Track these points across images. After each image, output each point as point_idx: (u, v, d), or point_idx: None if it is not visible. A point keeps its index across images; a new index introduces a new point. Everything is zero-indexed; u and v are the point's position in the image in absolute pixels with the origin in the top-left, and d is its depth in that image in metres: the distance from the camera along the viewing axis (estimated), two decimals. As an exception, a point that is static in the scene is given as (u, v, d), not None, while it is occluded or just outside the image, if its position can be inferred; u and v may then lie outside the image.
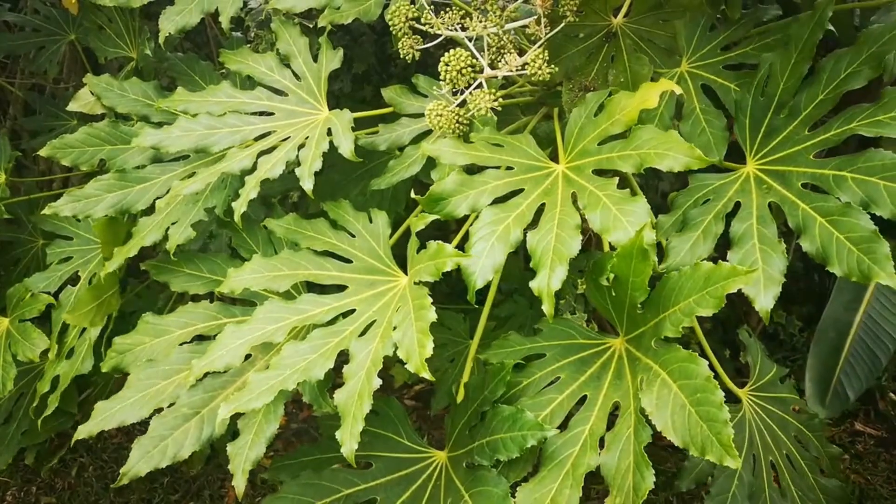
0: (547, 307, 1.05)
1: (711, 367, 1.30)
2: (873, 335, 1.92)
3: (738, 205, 1.17)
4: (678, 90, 1.15)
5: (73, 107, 1.67)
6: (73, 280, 1.62)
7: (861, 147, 1.15)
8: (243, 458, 1.18)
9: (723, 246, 1.17)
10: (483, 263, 1.08)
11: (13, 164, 1.84)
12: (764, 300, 1.08)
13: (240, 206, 1.24)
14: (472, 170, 1.19)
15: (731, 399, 1.50)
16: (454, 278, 1.21)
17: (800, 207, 1.11)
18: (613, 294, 1.12)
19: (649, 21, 1.42)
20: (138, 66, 1.69)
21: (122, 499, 2.17)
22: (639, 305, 1.08)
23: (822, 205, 1.09)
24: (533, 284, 1.06)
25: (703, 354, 1.32)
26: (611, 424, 1.09)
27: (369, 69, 2.02)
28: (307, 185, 1.23)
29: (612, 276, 1.09)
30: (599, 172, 1.15)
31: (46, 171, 2.20)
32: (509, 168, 1.20)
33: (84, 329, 1.49)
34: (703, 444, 0.94)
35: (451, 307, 2.13)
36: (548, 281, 1.05)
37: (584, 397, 1.14)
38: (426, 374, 1.03)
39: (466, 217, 1.17)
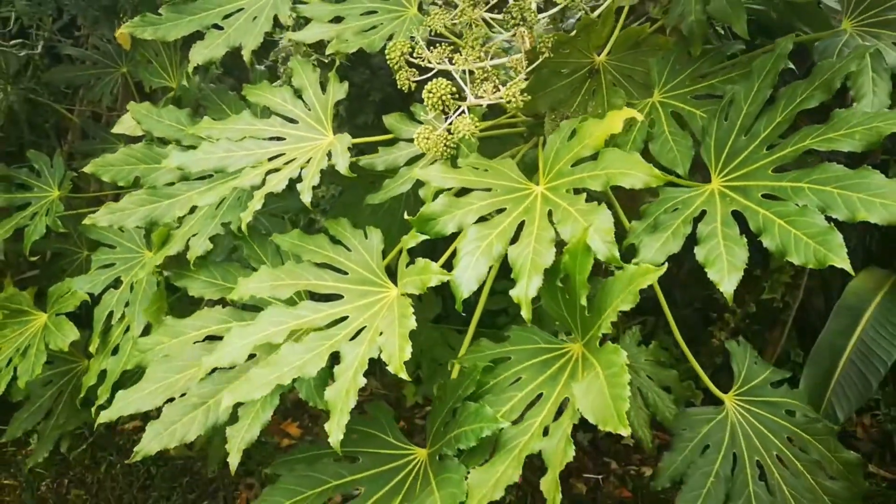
0: (525, 313, 1.18)
1: (693, 370, 1.45)
2: (865, 359, 1.97)
3: (704, 212, 1.30)
4: (640, 117, 1.29)
5: (116, 129, 1.88)
6: (115, 284, 1.79)
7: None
8: (239, 438, 1.32)
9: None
10: (468, 275, 1.22)
11: (70, 183, 2.06)
12: (727, 285, 1.22)
13: (246, 217, 1.41)
14: (459, 192, 1.34)
15: (714, 401, 1.60)
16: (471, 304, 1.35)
17: (760, 213, 1.24)
18: (567, 297, 1.23)
19: (629, 59, 1.57)
20: (177, 96, 1.89)
21: (144, 495, 2.32)
22: (585, 306, 1.19)
23: (780, 209, 1.23)
24: (513, 293, 1.19)
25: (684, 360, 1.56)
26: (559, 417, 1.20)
27: (389, 99, 2.18)
28: (305, 198, 1.40)
29: (563, 275, 1.22)
30: (573, 192, 1.28)
31: (98, 191, 2.42)
32: (493, 190, 1.33)
33: (127, 328, 1.66)
34: (606, 418, 1.06)
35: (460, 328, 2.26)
36: (525, 289, 1.18)
37: (541, 395, 1.26)
38: (404, 375, 1.18)
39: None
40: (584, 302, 1.20)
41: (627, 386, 1.05)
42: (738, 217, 1.27)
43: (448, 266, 1.27)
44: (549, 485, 1.12)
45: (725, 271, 1.21)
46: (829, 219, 1.17)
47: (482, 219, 1.29)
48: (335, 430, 1.18)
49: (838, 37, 1.52)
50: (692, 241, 1.27)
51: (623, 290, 1.15)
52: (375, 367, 2.74)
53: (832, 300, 2.20)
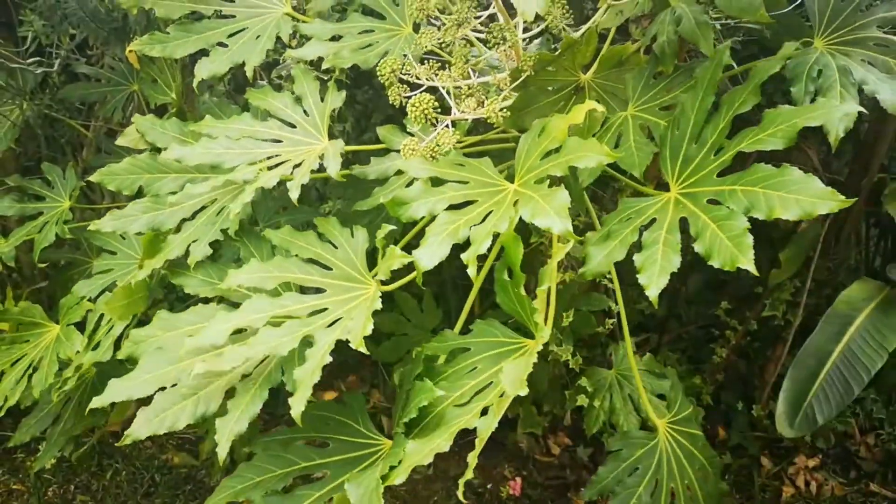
0: (471, 270, 1.23)
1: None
2: (850, 366, 2.00)
3: (653, 220, 1.34)
4: (600, 108, 1.33)
5: (120, 142, 1.96)
6: (111, 288, 1.85)
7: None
8: (228, 430, 1.37)
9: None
10: (431, 252, 1.26)
11: (78, 192, 2.14)
12: (653, 290, 1.24)
13: (235, 208, 1.48)
14: (436, 183, 1.39)
15: (649, 428, 1.65)
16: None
17: (701, 218, 1.27)
18: (515, 290, 1.29)
19: (613, 76, 1.61)
20: (179, 109, 1.96)
21: (148, 501, 2.36)
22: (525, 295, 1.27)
23: (716, 213, 1.25)
24: (463, 256, 1.24)
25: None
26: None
27: (392, 118, 2.24)
28: (293, 194, 1.47)
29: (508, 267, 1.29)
30: (540, 182, 1.32)
31: (110, 202, 2.50)
32: (468, 183, 1.39)
33: (112, 327, 1.72)
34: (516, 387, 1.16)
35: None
36: (474, 251, 1.23)
37: (492, 382, 1.32)
38: (362, 349, 1.24)
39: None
40: (522, 291, 1.26)
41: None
42: (684, 223, 1.31)
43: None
44: (472, 457, 1.17)
45: (655, 276, 1.24)
46: (752, 220, 1.20)
47: (453, 207, 1.34)
48: (297, 404, 1.25)
49: (809, 54, 1.56)
50: (698, 258, 1.28)
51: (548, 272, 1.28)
52: (378, 380, 2.79)
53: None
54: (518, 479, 2.44)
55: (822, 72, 1.51)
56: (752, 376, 2.68)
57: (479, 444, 1.16)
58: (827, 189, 1.17)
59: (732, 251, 1.18)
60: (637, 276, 1.26)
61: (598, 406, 2.04)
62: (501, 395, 1.24)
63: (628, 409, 2.00)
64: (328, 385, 2.52)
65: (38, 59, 2.18)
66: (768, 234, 2.72)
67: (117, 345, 1.66)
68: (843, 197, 1.16)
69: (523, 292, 1.27)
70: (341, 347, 1.32)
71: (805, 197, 1.17)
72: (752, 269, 1.16)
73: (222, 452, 1.35)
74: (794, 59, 1.54)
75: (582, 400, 1.99)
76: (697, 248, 1.24)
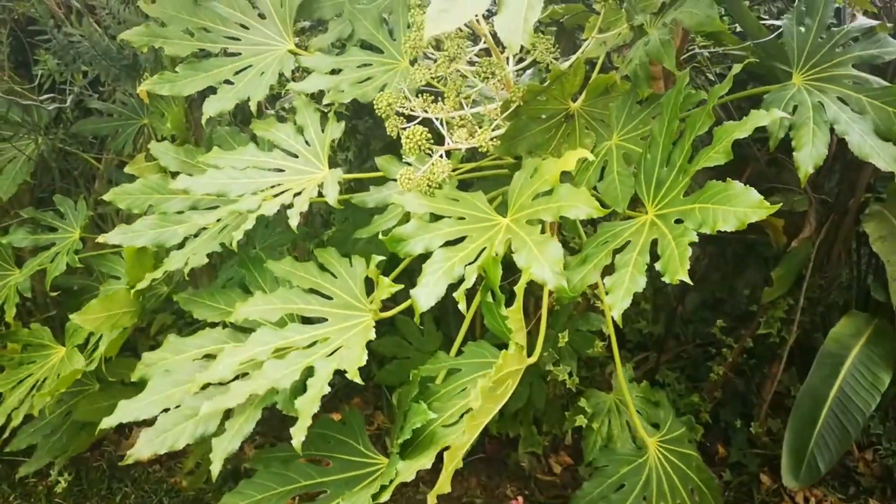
0: (462, 305, 1.30)
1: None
2: (845, 409, 2.03)
3: (628, 242, 1.40)
4: (591, 157, 1.40)
5: (128, 169, 2.05)
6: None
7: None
8: (222, 448, 1.44)
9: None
10: (427, 292, 1.33)
11: (87, 222, 2.22)
12: (616, 310, 1.31)
13: (237, 235, 1.55)
14: (432, 218, 1.46)
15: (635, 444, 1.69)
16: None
17: (667, 237, 1.33)
18: (498, 311, 1.35)
19: (600, 104, 1.68)
20: (185, 141, 2.05)
21: (155, 524, 2.42)
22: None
23: (676, 231, 1.32)
24: (455, 294, 1.31)
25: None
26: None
27: (391, 147, 2.32)
28: (293, 221, 1.54)
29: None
30: (531, 222, 1.40)
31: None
32: (464, 219, 1.46)
33: (98, 339, 1.80)
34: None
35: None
36: (465, 287, 1.30)
37: None
38: (357, 379, 1.30)
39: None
40: (504, 311, 1.32)
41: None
42: (655, 244, 1.37)
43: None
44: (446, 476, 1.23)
45: (620, 298, 1.31)
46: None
47: (448, 243, 1.41)
48: (298, 434, 1.31)
49: (786, 90, 1.64)
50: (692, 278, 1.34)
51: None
52: (382, 402, 2.83)
53: (830, 334, 2.27)
54: (520, 499, 2.48)
55: (798, 108, 1.59)
56: (750, 394, 2.72)
57: (449, 458, 1.23)
58: (758, 198, 1.24)
59: (675, 264, 1.25)
60: (606, 296, 1.32)
61: (597, 430, 2.07)
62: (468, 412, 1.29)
63: (626, 436, 2.03)
64: (332, 408, 2.57)
65: (52, 95, 2.27)
66: (761, 254, 2.78)
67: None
68: (768, 204, 1.23)
69: (505, 312, 1.33)
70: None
71: (741, 208, 1.24)
72: (686, 278, 1.23)
73: (215, 470, 1.42)
74: (772, 95, 1.62)
75: (580, 420, 2.03)
76: (658, 265, 1.30)
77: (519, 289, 1.33)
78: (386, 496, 1.27)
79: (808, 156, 1.52)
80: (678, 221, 1.34)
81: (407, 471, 1.28)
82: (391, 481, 1.29)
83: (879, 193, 2.37)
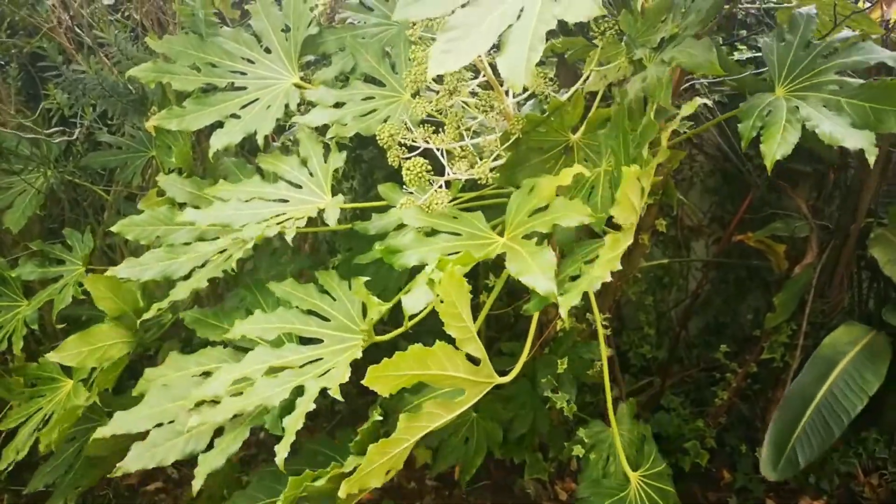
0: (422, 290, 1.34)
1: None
2: (831, 409, 2.05)
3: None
4: (587, 172, 1.43)
5: (141, 205, 2.08)
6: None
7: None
8: (207, 465, 1.46)
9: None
10: (416, 298, 1.36)
11: (91, 254, 2.25)
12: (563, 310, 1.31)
13: (236, 256, 1.59)
14: (430, 234, 1.49)
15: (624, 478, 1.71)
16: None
17: None
18: None
19: (599, 137, 1.70)
20: (191, 173, 2.09)
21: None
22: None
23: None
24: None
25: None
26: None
27: (392, 175, 2.36)
28: (289, 235, 1.59)
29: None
30: (527, 237, 1.43)
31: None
32: (460, 235, 1.49)
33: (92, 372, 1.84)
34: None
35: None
36: (428, 273, 1.32)
37: None
38: (338, 397, 1.33)
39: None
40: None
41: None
42: None
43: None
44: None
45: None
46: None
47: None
48: (283, 451, 1.34)
49: (763, 98, 1.66)
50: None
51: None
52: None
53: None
54: (526, 526, 2.48)
55: (772, 112, 1.61)
56: (755, 418, 2.72)
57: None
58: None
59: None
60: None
61: (594, 461, 2.06)
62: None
63: (622, 471, 2.02)
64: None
65: (61, 129, 2.32)
66: (764, 279, 2.80)
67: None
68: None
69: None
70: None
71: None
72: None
73: (196, 485, 1.44)
74: (748, 102, 1.65)
75: (578, 450, 2.03)
76: None
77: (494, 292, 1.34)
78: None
79: (776, 144, 1.53)
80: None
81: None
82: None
83: (881, 218, 2.39)
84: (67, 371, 2.07)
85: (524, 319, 2.48)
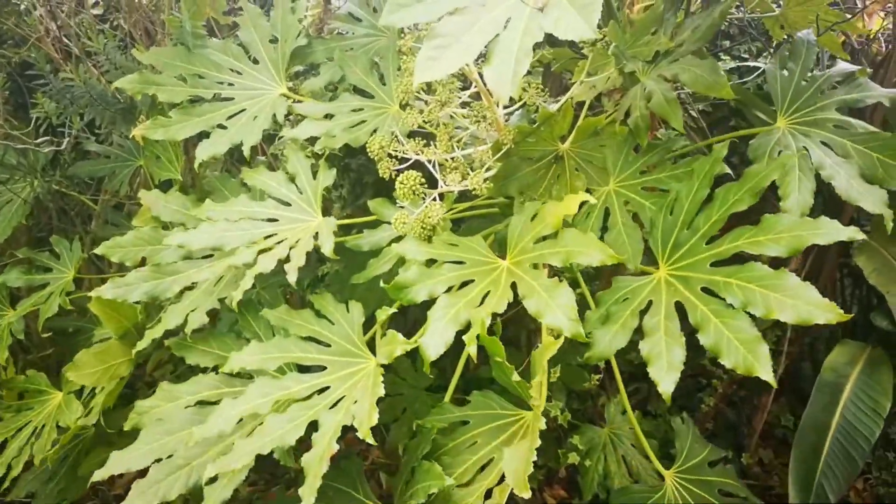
0: (472, 349, 1.29)
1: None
2: (849, 437, 2.00)
3: (650, 302, 1.40)
4: (593, 201, 1.43)
5: (136, 222, 2.06)
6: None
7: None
8: (216, 496, 1.43)
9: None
10: (435, 340, 1.32)
11: (81, 263, 2.24)
12: (665, 385, 1.30)
13: (237, 296, 1.55)
14: (430, 263, 1.47)
15: (658, 477, 1.68)
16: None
17: (698, 308, 1.34)
18: (509, 372, 1.36)
19: (589, 146, 1.70)
20: (183, 184, 2.08)
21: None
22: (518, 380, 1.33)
23: (715, 307, 1.33)
24: (465, 337, 1.31)
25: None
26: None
27: (383, 183, 2.35)
28: (291, 278, 1.54)
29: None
30: (535, 266, 1.41)
31: (116, 271, 2.60)
32: (464, 263, 1.47)
33: (94, 391, 1.81)
34: (517, 482, 1.22)
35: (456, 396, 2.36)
36: (475, 333, 1.31)
37: (493, 459, 1.37)
38: (370, 440, 1.27)
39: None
40: (516, 377, 1.33)
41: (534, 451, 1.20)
42: (679, 308, 1.37)
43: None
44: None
45: (664, 371, 1.31)
46: (751, 316, 1.28)
47: (451, 288, 1.41)
48: (308, 494, 1.27)
49: (771, 135, 1.67)
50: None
51: (539, 363, 1.29)
52: (377, 437, 2.83)
53: (820, 364, 2.28)
54: (515, 533, 2.48)
55: (783, 154, 1.62)
56: (741, 424, 2.74)
57: None
58: (824, 301, 1.26)
59: (747, 357, 1.26)
60: (647, 369, 1.32)
61: (592, 467, 2.07)
62: (501, 482, 1.28)
63: (622, 472, 2.03)
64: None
65: (49, 138, 2.30)
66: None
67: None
68: (841, 311, 1.25)
69: (517, 377, 1.33)
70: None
71: (801, 303, 1.27)
72: (771, 380, 1.23)
73: None
74: (758, 139, 1.65)
75: (573, 458, 2.03)
76: (702, 340, 1.31)
77: (541, 361, 1.32)
78: None
79: (795, 203, 1.55)
80: (706, 291, 1.35)
81: None
82: None
83: (864, 226, 2.41)
84: (56, 383, 2.06)
85: (512, 326, 2.48)
